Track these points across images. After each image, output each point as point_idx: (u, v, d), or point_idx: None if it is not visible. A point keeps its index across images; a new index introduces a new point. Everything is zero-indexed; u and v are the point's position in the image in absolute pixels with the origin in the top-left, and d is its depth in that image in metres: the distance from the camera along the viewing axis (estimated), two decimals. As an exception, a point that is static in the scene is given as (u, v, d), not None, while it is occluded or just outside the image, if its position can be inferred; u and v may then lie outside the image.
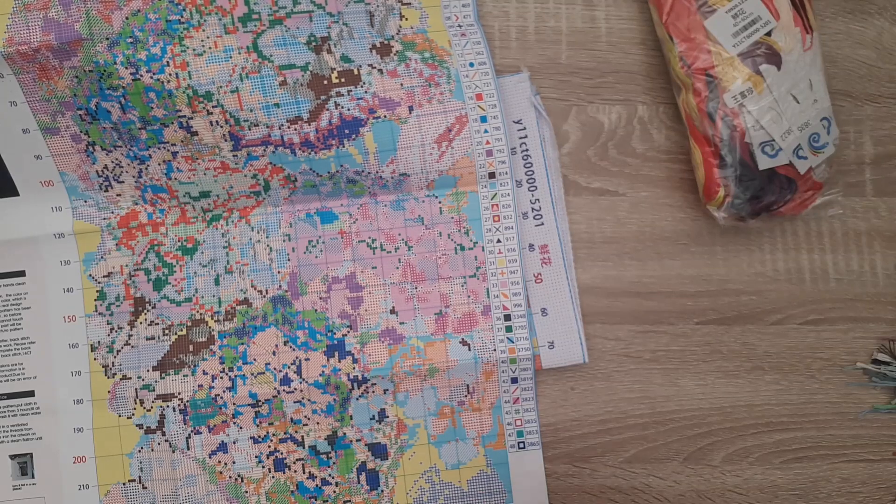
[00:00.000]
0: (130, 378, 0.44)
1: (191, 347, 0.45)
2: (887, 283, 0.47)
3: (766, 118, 0.42)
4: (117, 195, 0.45)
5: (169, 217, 0.45)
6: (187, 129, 0.42)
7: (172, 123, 0.42)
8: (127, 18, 0.42)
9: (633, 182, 0.47)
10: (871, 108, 0.48)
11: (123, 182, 0.44)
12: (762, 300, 0.47)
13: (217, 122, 0.42)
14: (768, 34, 0.42)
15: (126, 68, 0.41)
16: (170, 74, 0.41)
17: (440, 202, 0.45)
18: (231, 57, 0.42)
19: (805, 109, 0.43)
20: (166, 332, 0.44)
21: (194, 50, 0.42)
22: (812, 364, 0.47)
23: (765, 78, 0.42)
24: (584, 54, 0.47)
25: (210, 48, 0.42)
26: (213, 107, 0.42)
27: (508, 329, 0.45)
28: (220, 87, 0.42)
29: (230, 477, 0.44)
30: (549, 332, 0.45)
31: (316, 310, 0.45)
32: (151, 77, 0.41)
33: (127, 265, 0.45)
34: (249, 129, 0.42)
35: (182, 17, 0.42)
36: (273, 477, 0.44)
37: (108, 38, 0.41)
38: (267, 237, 0.45)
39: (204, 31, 0.42)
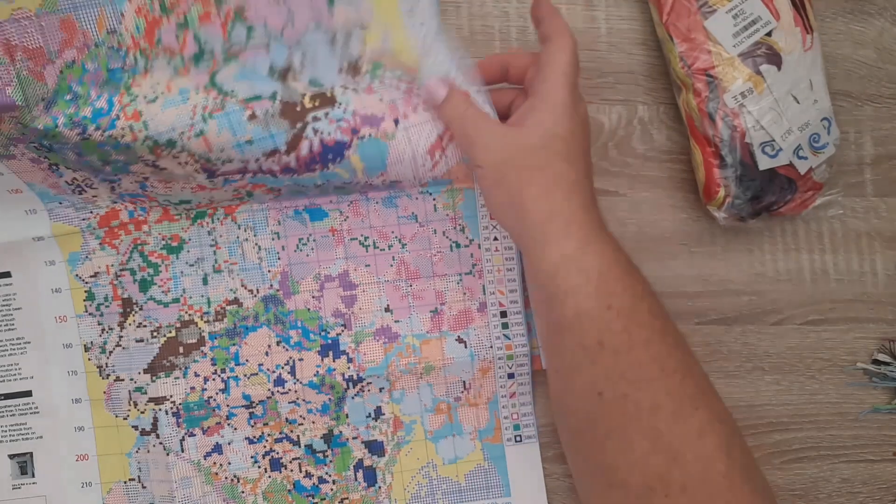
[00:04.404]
0: (123, 380, 0.44)
1: (181, 349, 0.44)
2: (887, 284, 0.47)
3: (766, 118, 0.42)
4: (93, 196, 0.43)
5: (151, 215, 0.44)
6: (155, 166, 0.39)
7: (137, 163, 0.39)
8: (61, 72, 0.37)
9: (634, 182, 0.47)
10: (871, 108, 0.48)
11: (97, 188, 0.42)
12: (762, 300, 0.47)
13: (186, 162, 0.39)
14: (769, 34, 0.42)
15: (71, 129, 0.36)
16: (122, 129, 0.37)
17: (434, 199, 0.45)
18: (189, 98, 0.37)
19: (805, 109, 0.43)
20: (155, 334, 0.44)
21: (145, 97, 0.37)
22: (812, 364, 0.47)
23: (765, 78, 0.42)
24: (584, 54, 0.47)
25: (163, 92, 0.37)
26: (178, 152, 0.38)
27: (504, 326, 0.45)
28: (183, 132, 0.37)
29: (226, 478, 0.44)
30: None
31: (309, 309, 0.44)
32: (102, 134, 0.37)
33: (112, 265, 0.44)
34: (223, 165, 0.39)
35: (125, 63, 0.37)
36: (269, 477, 0.44)
37: (43, 99, 0.36)
38: (255, 235, 0.44)
39: (152, 75, 0.38)
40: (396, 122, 0.40)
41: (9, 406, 0.44)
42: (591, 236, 0.36)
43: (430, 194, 0.45)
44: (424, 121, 0.40)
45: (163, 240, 0.44)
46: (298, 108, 0.39)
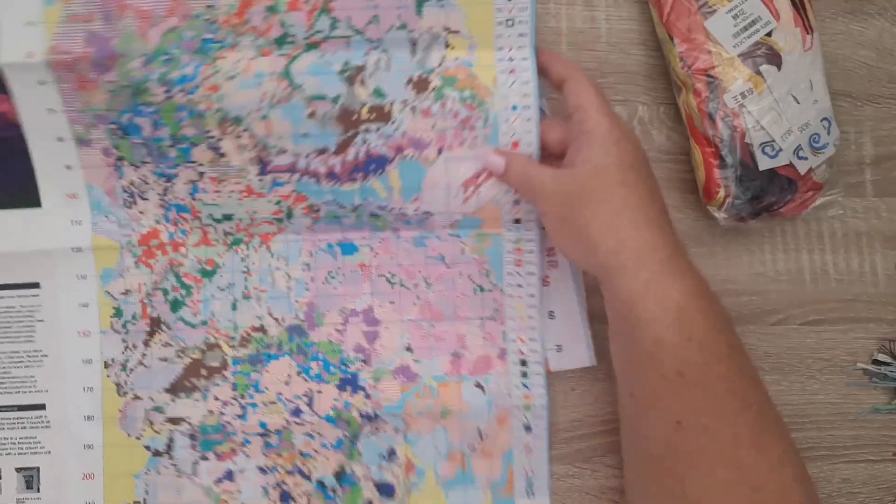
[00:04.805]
0: (142, 398, 0.44)
1: (203, 371, 0.44)
2: (887, 284, 0.47)
3: (766, 118, 0.42)
4: (140, 212, 0.44)
5: (190, 238, 0.44)
6: (216, 149, 0.42)
7: (202, 143, 0.42)
8: (164, 35, 0.41)
9: (634, 182, 0.47)
10: (871, 108, 0.48)
11: (148, 199, 0.44)
12: (762, 300, 0.47)
13: (245, 145, 0.42)
14: (768, 34, 0.42)
15: (160, 86, 0.41)
16: (201, 96, 0.41)
17: (463, 242, 0.44)
18: (262, 83, 0.41)
19: (805, 110, 0.43)
20: (180, 354, 0.44)
21: (226, 73, 0.41)
22: (812, 364, 0.47)
23: (765, 78, 0.42)
24: (584, 55, 0.47)
25: (242, 71, 0.41)
26: (242, 130, 0.42)
27: (524, 375, 0.44)
28: (251, 112, 0.42)
29: None
30: (557, 335, 0.45)
31: (331, 341, 0.44)
32: (184, 96, 0.41)
33: (145, 283, 0.44)
34: (277, 156, 0.42)
35: (217, 35, 0.41)
36: None
37: (144, 55, 0.41)
38: (287, 265, 0.44)
39: (238, 51, 0.41)
40: (440, 151, 0.42)
41: (20, 418, 0.44)
42: (666, 264, 0.36)
43: (459, 237, 0.44)
44: (467, 157, 0.42)
45: (198, 263, 0.44)
46: (354, 118, 0.42)
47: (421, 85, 0.42)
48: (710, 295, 0.37)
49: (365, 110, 0.42)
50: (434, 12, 0.42)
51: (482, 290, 0.45)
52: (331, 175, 0.43)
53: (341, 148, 0.42)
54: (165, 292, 0.44)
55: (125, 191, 0.44)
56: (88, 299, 0.44)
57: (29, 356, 0.44)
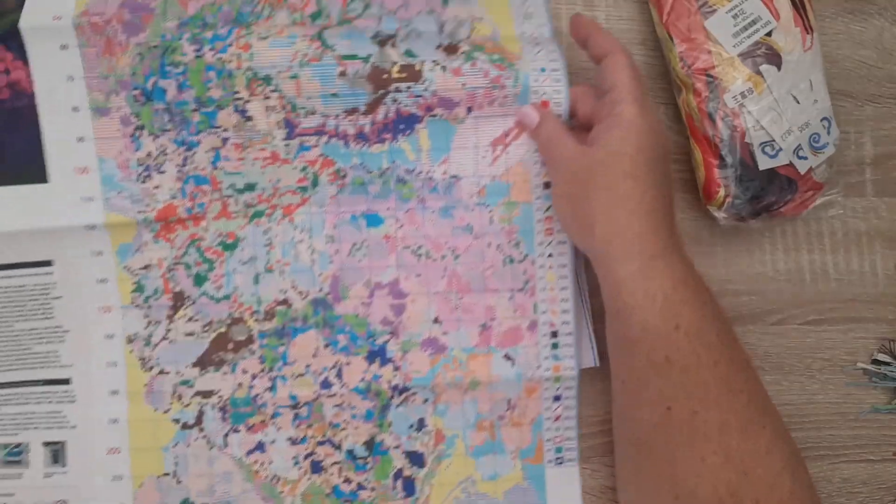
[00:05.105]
0: (168, 373, 0.44)
1: (230, 346, 0.44)
2: (887, 284, 0.47)
3: (766, 118, 0.42)
4: (155, 187, 0.43)
5: (209, 211, 0.44)
6: (242, 112, 0.43)
7: (228, 106, 0.42)
8: (202, 7, 0.43)
9: (634, 182, 0.47)
10: (871, 108, 0.48)
11: (164, 172, 0.43)
12: (762, 300, 0.47)
13: (273, 107, 0.42)
14: (768, 34, 0.42)
15: (191, 44, 0.42)
16: (232, 55, 0.42)
17: (491, 211, 0.44)
18: (294, 43, 0.42)
19: (805, 109, 0.43)
20: (206, 328, 0.44)
21: (259, 34, 0.42)
22: (812, 364, 0.47)
23: (765, 78, 0.42)
24: (584, 54, 0.46)
25: (275, 34, 0.42)
26: (271, 91, 0.42)
27: (555, 346, 0.44)
28: (280, 71, 0.42)
29: (266, 476, 0.44)
30: None
31: (357, 315, 0.44)
32: (214, 55, 0.42)
33: (166, 258, 0.44)
34: (305, 117, 0.43)
35: (254, 9, 0.43)
36: (309, 479, 0.44)
37: (179, 19, 0.43)
38: (310, 237, 0.44)
39: (273, 21, 0.43)
40: (469, 109, 0.43)
41: (47, 393, 0.44)
42: (657, 256, 0.36)
43: (487, 206, 0.44)
44: (495, 115, 0.43)
45: (219, 237, 0.44)
46: (385, 76, 0.42)
47: (450, 49, 0.43)
48: (699, 287, 0.37)
49: (395, 69, 0.42)
50: (457, 6, 0.44)
51: (512, 261, 0.44)
52: (360, 136, 0.43)
53: (371, 107, 0.43)
54: (188, 266, 0.44)
55: (140, 164, 0.43)
56: (107, 275, 0.44)
57: (49, 332, 0.44)
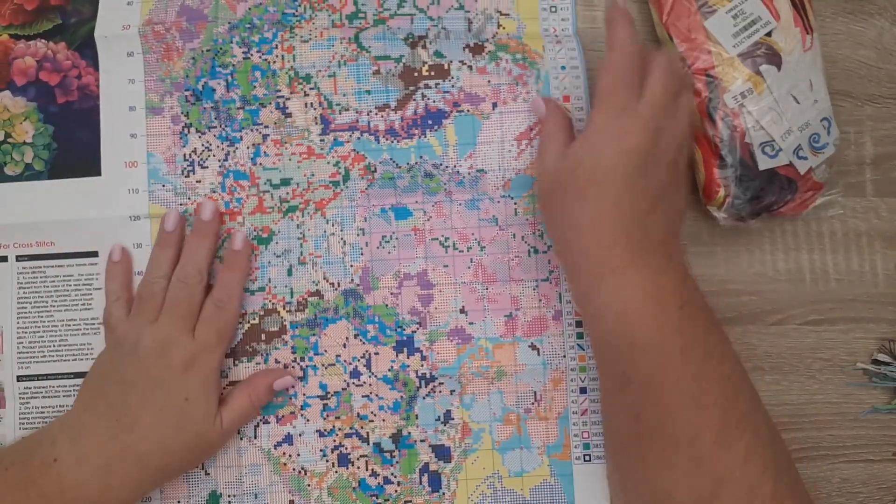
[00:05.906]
0: None
1: (263, 336, 0.45)
2: (887, 284, 0.47)
3: (766, 118, 0.42)
4: (197, 181, 0.46)
5: (246, 206, 0.46)
6: (283, 109, 0.46)
7: (270, 104, 0.46)
8: (249, 9, 0.47)
9: (634, 182, 0.47)
10: (871, 108, 0.48)
11: (207, 167, 0.46)
12: (762, 300, 0.47)
13: (311, 104, 0.46)
14: (768, 34, 0.42)
15: (240, 47, 0.46)
16: (276, 56, 0.46)
17: (516, 203, 0.45)
18: (333, 45, 0.46)
19: (805, 110, 0.43)
20: (240, 319, 0.45)
21: (301, 37, 0.46)
22: (812, 364, 0.47)
23: (765, 78, 0.42)
24: (584, 54, 0.47)
25: (316, 37, 0.46)
26: (310, 88, 0.46)
27: (580, 336, 0.45)
28: (320, 70, 0.46)
29: (293, 469, 0.44)
30: None
31: (387, 305, 0.45)
32: (260, 56, 0.46)
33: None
34: (340, 114, 0.46)
35: (297, 11, 0.47)
36: (336, 472, 0.44)
37: (229, 23, 0.46)
38: (341, 230, 0.46)
39: (314, 24, 0.46)
40: (494, 105, 0.46)
41: (77, 386, 0.44)
42: (616, 271, 0.36)
43: (512, 198, 0.45)
44: (520, 110, 0.46)
45: (254, 231, 0.46)
46: (416, 74, 0.46)
47: (476, 49, 0.46)
48: (665, 300, 0.36)
49: (425, 68, 0.46)
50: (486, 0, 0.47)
51: (536, 251, 0.45)
52: (389, 132, 0.46)
53: (401, 104, 0.46)
54: (223, 260, 0.45)
55: (186, 159, 0.46)
56: (144, 267, 0.45)
57: (86, 324, 0.45)
